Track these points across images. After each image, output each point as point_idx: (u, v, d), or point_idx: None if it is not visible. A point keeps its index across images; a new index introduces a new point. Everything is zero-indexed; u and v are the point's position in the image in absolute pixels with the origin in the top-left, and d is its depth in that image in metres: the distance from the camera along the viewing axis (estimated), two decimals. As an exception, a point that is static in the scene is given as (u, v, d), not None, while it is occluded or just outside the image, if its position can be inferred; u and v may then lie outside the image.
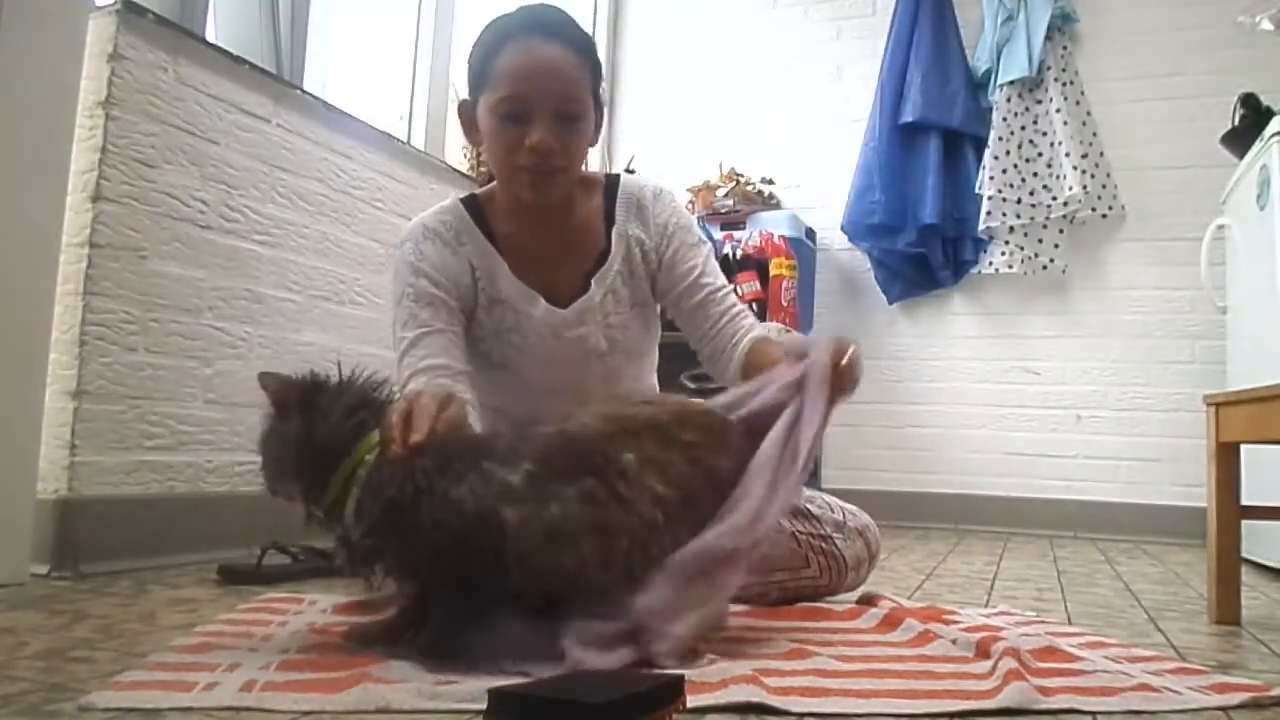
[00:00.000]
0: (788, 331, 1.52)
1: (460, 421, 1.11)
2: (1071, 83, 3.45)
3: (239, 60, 1.97)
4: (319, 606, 1.32)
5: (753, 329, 1.47)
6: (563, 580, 1.03)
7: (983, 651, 1.09)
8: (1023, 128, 3.46)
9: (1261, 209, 2.30)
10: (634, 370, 1.56)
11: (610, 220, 1.50)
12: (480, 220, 1.48)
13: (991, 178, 3.41)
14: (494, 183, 1.49)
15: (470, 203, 1.50)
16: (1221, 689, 0.99)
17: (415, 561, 1.03)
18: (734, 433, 1.16)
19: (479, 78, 1.37)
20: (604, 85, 1.46)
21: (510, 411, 1.47)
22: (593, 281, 1.48)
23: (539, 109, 1.32)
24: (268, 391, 1.09)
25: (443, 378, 1.33)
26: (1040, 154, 3.44)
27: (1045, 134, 3.44)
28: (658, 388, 1.67)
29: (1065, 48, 3.48)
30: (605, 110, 1.46)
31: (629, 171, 3.35)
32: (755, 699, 0.88)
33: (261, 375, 1.10)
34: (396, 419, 1.04)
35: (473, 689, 0.86)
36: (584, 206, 1.50)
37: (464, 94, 1.44)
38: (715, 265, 1.54)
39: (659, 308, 1.57)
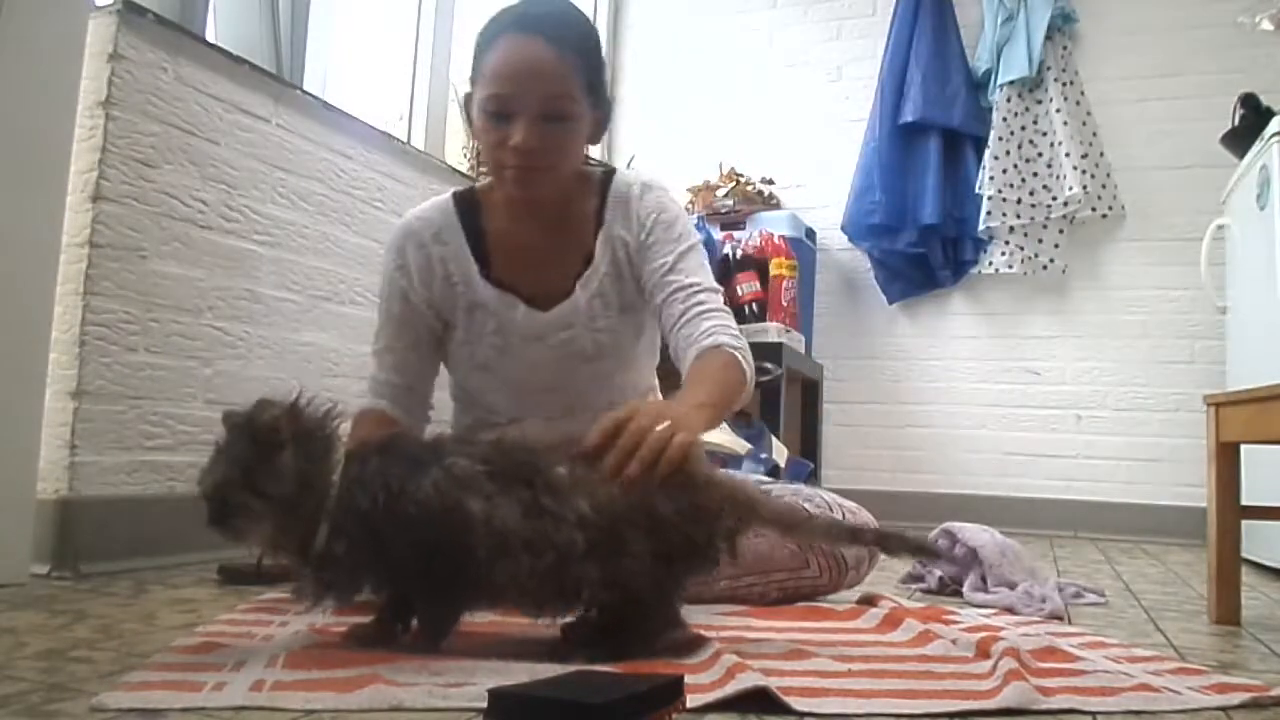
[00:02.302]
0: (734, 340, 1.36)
1: None
2: (1071, 83, 3.45)
3: (239, 60, 1.97)
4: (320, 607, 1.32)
5: (707, 335, 1.34)
6: (500, 589, 1.03)
7: (983, 651, 1.09)
8: (1023, 128, 3.46)
9: (1261, 209, 2.30)
10: (626, 375, 1.53)
11: (600, 222, 1.46)
12: (471, 218, 1.48)
13: (991, 178, 3.41)
14: None
15: (465, 198, 1.50)
16: (1221, 689, 0.99)
17: (391, 567, 1.03)
18: (701, 483, 1.06)
19: (473, 73, 1.38)
20: (607, 81, 1.43)
21: (498, 414, 1.47)
22: (577, 285, 1.45)
23: (522, 108, 1.31)
24: (266, 420, 0.98)
25: (386, 393, 1.47)
26: (1040, 154, 3.44)
27: (1045, 134, 3.44)
28: (657, 388, 1.66)
29: (1065, 48, 3.48)
30: (611, 106, 1.44)
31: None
32: (760, 683, 0.89)
33: (261, 403, 1.01)
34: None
35: (484, 690, 0.86)
36: (579, 206, 1.47)
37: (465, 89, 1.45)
38: (695, 261, 1.43)
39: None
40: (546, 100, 1.31)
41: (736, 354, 1.33)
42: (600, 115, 1.41)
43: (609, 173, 1.51)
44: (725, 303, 1.44)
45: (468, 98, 1.42)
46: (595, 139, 1.44)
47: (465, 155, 3.16)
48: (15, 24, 1.50)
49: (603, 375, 1.49)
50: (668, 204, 1.48)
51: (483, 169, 3.04)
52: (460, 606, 1.08)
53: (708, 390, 1.25)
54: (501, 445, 1.05)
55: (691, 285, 1.40)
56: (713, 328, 1.35)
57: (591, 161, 1.63)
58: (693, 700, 0.86)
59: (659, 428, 1.04)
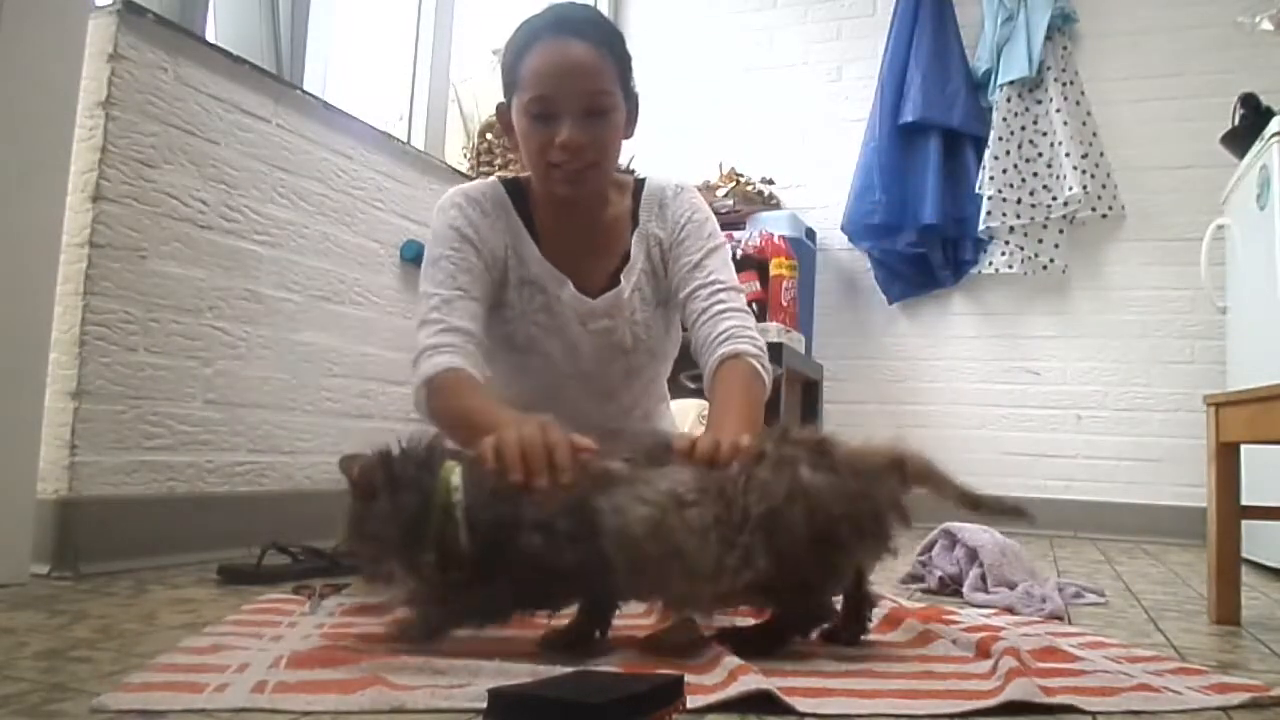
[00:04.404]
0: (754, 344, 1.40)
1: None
2: (1071, 83, 3.45)
3: (239, 60, 1.97)
4: (327, 608, 1.32)
5: (725, 340, 1.39)
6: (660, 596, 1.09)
7: (983, 651, 1.09)
8: (1023, 128, 3.46)
9: (1261, 209, 2.30)
10: (654, 370, 1.59)
11: (635, 222, 1.52)
12: (518, 200, 1.50)
13: (991, 178, 3.41)
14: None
15: (510, 183, 1.53)
16: (1221, 689, 0.99)
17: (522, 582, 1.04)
18: (846, 456, 1.11)
19: (510, 80, 1.41)
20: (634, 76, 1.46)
21: (527, 400, 1.48)
22: (622, 277, 1.50)
23: (567, 108, 1.35)
24: (352, 477, 1.06)
25: (470, 345, 1.36)
26: (1040, 154, 3.44)
27: (1045, 134, 3.44)
28: (667, 391, 1.69)
29: (1065, 48, 3.48)
30: (639, 102, 1.46)
31: (628, 172, 3.34)
32: (763, 685, 0.89)
33: (342, 460, 1.07)
34: (538, 450, 1.03)
35: (485, 690, 0.86)
36: (616, 207, 1.53)
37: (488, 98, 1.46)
38: (721, 261, 1.49)
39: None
40: (588, 98, 1.36)
41: (755, 363, 1.38)
42: (632, 110, 1.45)
43: (641, 179, 1.57)
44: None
45: (503, 108, 1.46)
46: (629, 133, 1.46)
47: (465, 155, 3.16)
48: (15, 24, 1.50)
49: (635, 369, 1.54)
50: (700, 205, 1.55)
51: (483, 169, 3.03)
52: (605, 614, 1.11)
53: (739, 418, 1.29)
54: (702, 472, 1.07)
55: (714, 283, 1.45)
56: (732, 329, 1.40)
57: (621, 170, 1.64)
58: (695, 702, 0.86)
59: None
